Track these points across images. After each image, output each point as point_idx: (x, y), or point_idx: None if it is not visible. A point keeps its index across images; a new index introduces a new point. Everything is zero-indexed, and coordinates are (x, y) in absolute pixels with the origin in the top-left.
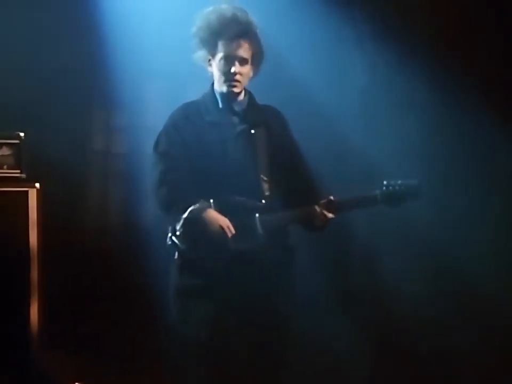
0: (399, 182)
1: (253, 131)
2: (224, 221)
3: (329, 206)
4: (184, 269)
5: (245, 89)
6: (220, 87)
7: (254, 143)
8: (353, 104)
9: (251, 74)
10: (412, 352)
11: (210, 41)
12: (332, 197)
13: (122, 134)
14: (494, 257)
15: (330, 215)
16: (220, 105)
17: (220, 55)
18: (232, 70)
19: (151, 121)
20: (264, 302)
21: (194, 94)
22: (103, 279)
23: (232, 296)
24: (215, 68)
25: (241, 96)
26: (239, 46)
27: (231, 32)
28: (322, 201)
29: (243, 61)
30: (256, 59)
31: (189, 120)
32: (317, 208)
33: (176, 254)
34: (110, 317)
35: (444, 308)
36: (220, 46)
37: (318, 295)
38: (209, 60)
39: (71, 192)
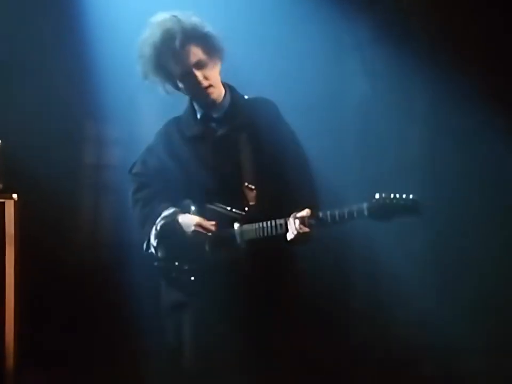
0: (393, 195)
1: (234, 135)
2: (200, 220)
3: (305, 219)
4: (165, 280)
5: (223, 85)
6: (196, 106)
7: (236, 148)
8: (353, 115)
9: (217, 68)
10: (415, 370)
11: (160, 71)
12: (307, 210)
13: (103, 145)
14: (501, 271)
15: (305, 230)
16: (198, 116)
17: (176, 71)
18: (198, 79)
19: (135, 133)
20: (248, 318)
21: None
22: (83, 296)
23: (213, 313)
24: (180, 85)
25: (220, 97)
26: (188, 53)
27: (174, 44)
28: (300, 213)
29: (201, 65)
30: (213, 54)
31: (171, 138)
32: (291, 221)
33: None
34: (87, 334)
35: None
36: (173, 64)
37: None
38: (171, 84)
39: (50, 204)
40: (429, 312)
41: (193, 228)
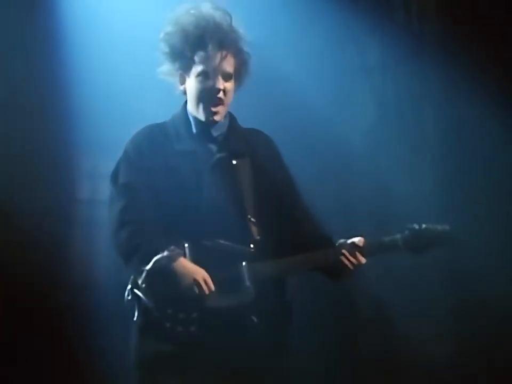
0: (424, 226)
1: (234, 161)
2: (200, 274)
3: (356, 250)
4: (147, 332)
5: None
6: (196, 108)
7: (236, 175)
8: (361, 142)
9: (233, 91)
10: None
11: (184, 51)
12: (360, 238)
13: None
14: None
15: (362, 260)
16: (194, 130)
17: (198, 69)
18: (217, 85)
19: None
20: (251, 377)
21: None
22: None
23: (209, 370)
24: (189, 86)
25: (221, 118)
26: (223, 59)
27: (211, 42)
28: (356, 241)
29: (227, 76)
30: (240, 73)
31: (155, 146)
32: (346, 251)
33: (136, 313)
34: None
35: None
36: (198, 58)
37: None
38: (182, 76)
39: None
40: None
41: (194, 281)
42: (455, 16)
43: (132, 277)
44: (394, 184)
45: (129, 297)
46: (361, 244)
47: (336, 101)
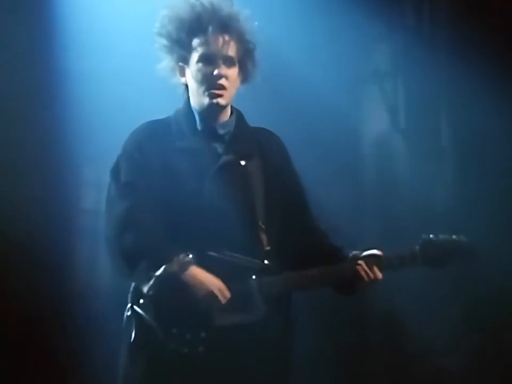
0: (442, 236)
1: (243, 162)
2: (215, 284)
3: (373, 263)
4: (144, 354)
5: (231, 107)
6: (198, 99)
7: (245, 178)
8: (371, 153)
9: (239, 81)
10: None
11: (182, 39)
12: (376, 250)
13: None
14: None
15: (378, 275)
16: (198, 127)
17: (196, 55)
18: (216, 72)
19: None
20: None
21: None
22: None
23: None
24: (190, 76)
25: (227, 115)
26: (222, 42)
27: (211, 25)
28: (371, 254)
29: (228, 61)
30: (245, 60)
31: (155, 142)
32: (363, 264)
33: (133, 334)
34: None
35: None
36: (197, 42)
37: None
38: (181, 67)
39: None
40: None
41: (209, 291)
42: (468, 20)
43: (131, 291)
44: (408, 194)
45: (129, 314)
46: (378, 257)
47: (348, 108)
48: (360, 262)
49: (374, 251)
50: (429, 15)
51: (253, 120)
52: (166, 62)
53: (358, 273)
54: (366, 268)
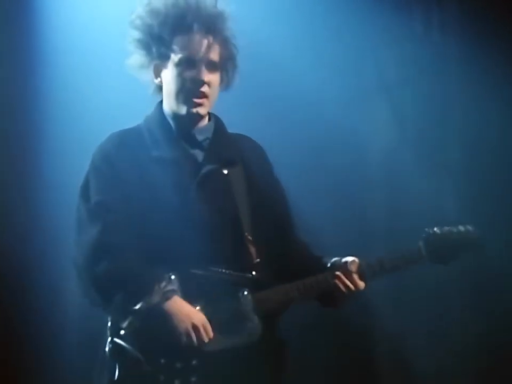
0: (447, 228)
1: (225, 171)
2: (198, 318)
3: (363, 271)
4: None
5: (208, 112)
6: (175, 105)
7: (229, 188)
8: (377, 165)
9: (218, 86)
10: None
11: (162, 36)
12: (354, 258)
13: None
14: None
15: (360, 284)
16: (175, 133)
17: (176, 57)
18: (201, 77)
19: None
20: None
21: None
22: None
23: None
24: (167, 78)
25: (205, 121)
26: (206, 45)
27: (195, 24)
28: (349, 263)
29: (211, 66)
30: (227, 65)
31: (127, 154)
32: (341, 275)
33: (117, 370)
34: None
35: None
36: (179, 43)
37: None
38: (157, 67)
39: None
40: None
41: (192, 326)
42: (477, 28)
43: (109, 322)
44: (415, 205)
45: (110, 347)
46: (356, 264)
47: (354, 118)
48: (337, 272)
49: (352, 258)
50: (438, 23)
51: (255, 134)
52: (137, 57)
53: (335, 285)
54: (343, 278)
